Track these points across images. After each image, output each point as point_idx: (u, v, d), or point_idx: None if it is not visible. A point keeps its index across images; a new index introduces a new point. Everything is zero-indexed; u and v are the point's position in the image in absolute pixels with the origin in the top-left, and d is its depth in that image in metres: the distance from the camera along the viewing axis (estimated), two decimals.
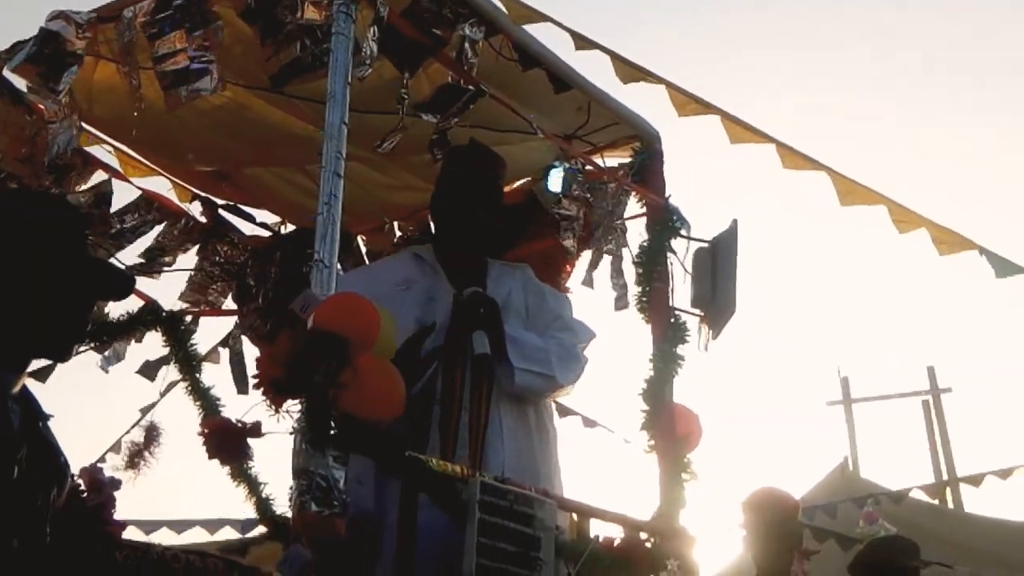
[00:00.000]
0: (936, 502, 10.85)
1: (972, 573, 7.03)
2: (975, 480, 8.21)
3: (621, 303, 4.01)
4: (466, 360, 3.31)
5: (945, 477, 12.25)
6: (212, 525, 6.84)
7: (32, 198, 1.99)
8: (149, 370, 4.09)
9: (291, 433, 2.42)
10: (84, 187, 4.01)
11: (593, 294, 4.14)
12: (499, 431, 3.32)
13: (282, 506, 3.03)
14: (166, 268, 4.21)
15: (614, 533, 3.16)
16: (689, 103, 3.54)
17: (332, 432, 2.36)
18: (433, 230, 3.80)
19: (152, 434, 3.26)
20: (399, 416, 2.44)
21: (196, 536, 6.68)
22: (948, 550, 6.85)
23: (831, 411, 13.93)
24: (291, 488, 2.44)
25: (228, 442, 2.53)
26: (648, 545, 3.20)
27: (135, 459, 3.17)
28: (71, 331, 1.78)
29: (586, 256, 4.14)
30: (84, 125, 3.84)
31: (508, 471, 3.16)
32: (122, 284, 1.88)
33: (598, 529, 3.15)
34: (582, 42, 3.31)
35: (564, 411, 5.21)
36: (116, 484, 2.77)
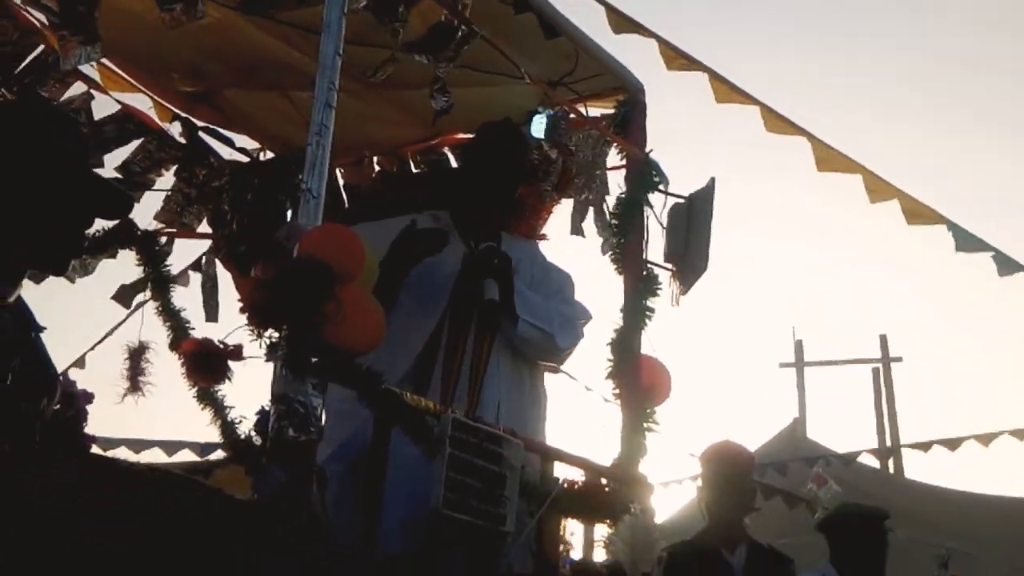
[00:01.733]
0: (879, 467, 11.13)
1: (910, 537, 7.25)
2: (923, 447, 8.41)
3: (607, 247, 4.05)
4: (473, 310, 3.42)
5: (889, 444, 12.53)
6: (171, 447, 6.88)
7: (33, 108, 1.98)
8: (125, 295, 4.07)
9: (269, 360, 2.45)
10: (64, 98, 3.96)
11: (568, 243, 4.18)
12: (497, 377, 3.43)
13: (247, 431, 3.05)
14: (145, 187, 4.18)
15: (576, 476, 3.24)
16: (677, 58, 3.56)
17: (312, 360, 2.39)
18: (453, 194, 3.83)
19: (141, 352, 3.26)
20: (407, 359, 2.48)
21: (154, 457, 6.73)
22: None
23: (784, 372, 14.17)
24: (262, 413, 2.47)
25: (209, 363, 2.56)
26: (608, 490, 3.29)
27: (136, 379, 3.17)
28: (69, 245, 1.79)
29: (566, 204, 4.17)
30: None
31: (501, 418, 3.25)
32: (121, 202, 1.89)
33: (561, 472, 3.22)
34: None
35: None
36: (89, 397, 2.78)
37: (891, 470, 11.83)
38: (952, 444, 7.89)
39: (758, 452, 9.36)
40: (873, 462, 9.83)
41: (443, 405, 3.05)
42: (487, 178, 3.66)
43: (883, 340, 13.83)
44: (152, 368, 3.22)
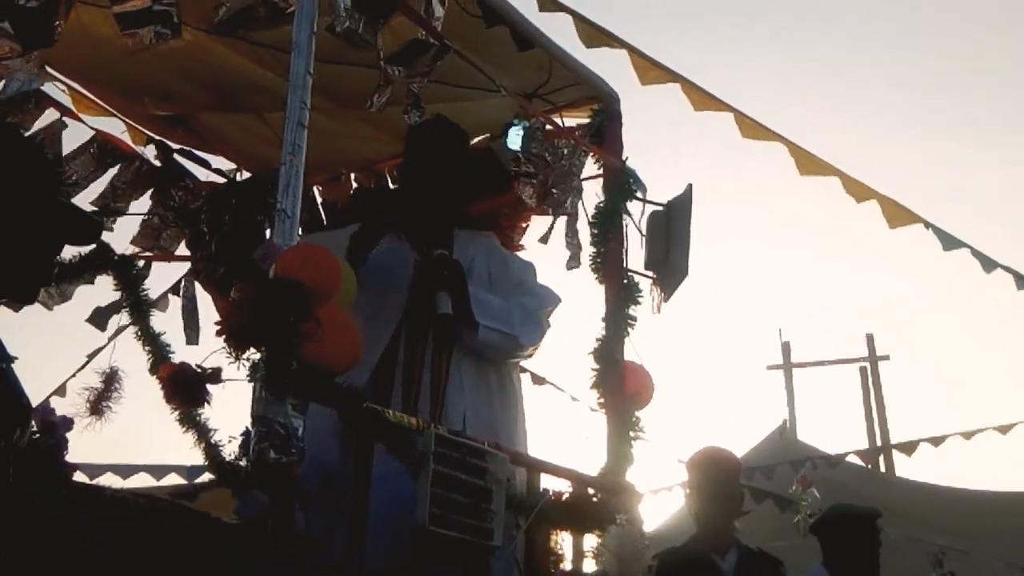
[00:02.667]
0: (869, 467, 11.14)
1: (903, 535, 7.26)
2: (908, 448, 8.44)
3: (573, 263, 4.05)
4: (429, 321, 3.36)
5: (879, 443, 12.55)
6: (158, 471, 6.84)
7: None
8: (99, 318, 4.05)
9: (249, 381, 2.44)
10: (36, 126, 3.95)
11: (548, 253, 4.18)
12: (460, 388, 3.39)
13: (231, 453, 3.03)
14: (120, 214, 4.16)
15: (563, 488, 3.23)
16: (651, 69, 3.57)
17: (292, 381, 2.38)
18: (396, 198, 3.81)
19: (112, 379, 3.23)
20: (363, 374, 2.47)
21: (142, 481, 6.69)
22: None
23: (771, 375, 14.18)
24: (246, 435, 2.46)
25: (187, 387, 2.55)
26: (595, 500, 3.28)
27: (98, 405, 3.15)
28: (37, 274, 1.78)
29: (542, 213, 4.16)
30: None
31: (468, 428, 3.22)
32: (90, 229, 1.88)
33: (548, 483, 3.22)
34: (547, 2, 3.31)
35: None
36: (68, 424, 2.75)
37: (882, 468, 11.85)
38: (936, 441, 7.91)
39: (747, 455, 9.39)
40: (861, 462, 9.84)
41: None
42: (424, 177, 3.61)
43: (870, 339, 13.86)
44: (122, 394, 3.20)
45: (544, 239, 4.14)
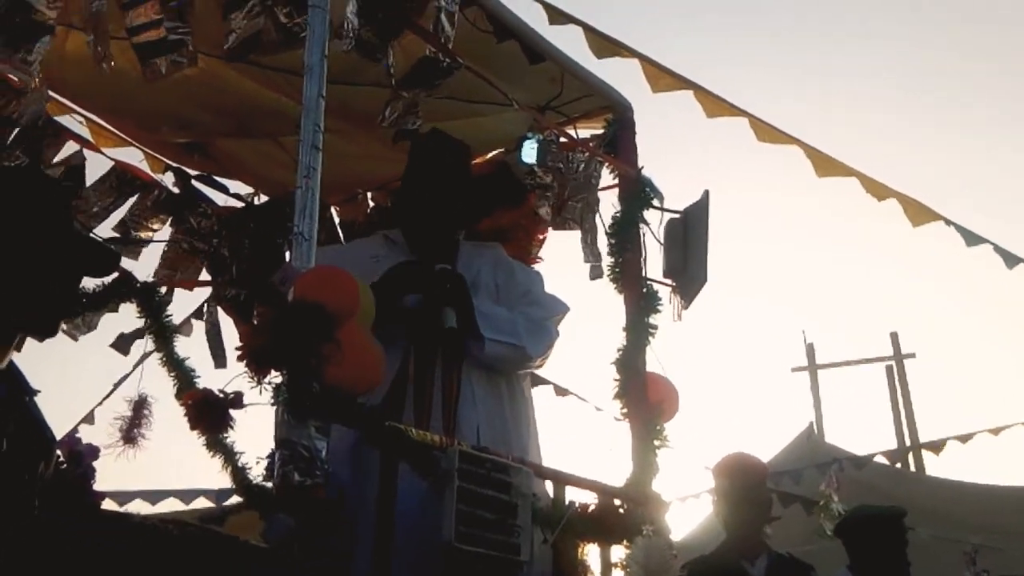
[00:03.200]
0: (898, 466, 11.07)
1: (935, 534, 7.20)
2: (936, 447, 8.38)
3: (595, 272, 4.05)
4: (437, 337, 3.35)
5: (908, 442, 12.47)
6: (187, 495, 6.87)
7: (15, 173, 2.00)
8: (123, 344, 4.08)
9: (272, 404, 2.45)
10: (56, 159, 3.99)
11: (567, 264, 4.19)
12: (472, 403, 3.37)
13: (258, 476, 3.05)
14: (142, 244, 4.20)
15: (588, 499, 3.22)
16: (663, 77, 3.57)
17: (314, 403, 2.39)
18: (401, 215, 3.80)
19: (142, 406, 3.26)
20: (375, 394, 2.47)
21: (171, 506, 6.71)
22: (909, 513, 7.02)
23: (796, 377, 14.12)
24: (271, 458, 2.47)
25: (211, 412, 2.56)
26: (622, 511, 3.27)
27: (131, 433, 3.17)
28: (57, 306, 1.80)
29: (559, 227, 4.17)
30: (55, 95, 3.83)
31: (482, 441, 3.21)
32: (107, 260, 1.90)
33: (573, 495, 3.21)
34: (556, 15, 3.32)
35: (536, 380, 5.27)
36: (94, 453, 2.77)
37: (912, 467, 11.77)
38: (964, 438, 7.85)
39: (775, 459, 9.35)
40: (888, 461, 9.76)
41: None
42: (426, 188, 3.57)
43: (894, 338, 13.79)
44: (152, 421, 3.22)
45: (559, 251, 4.15)
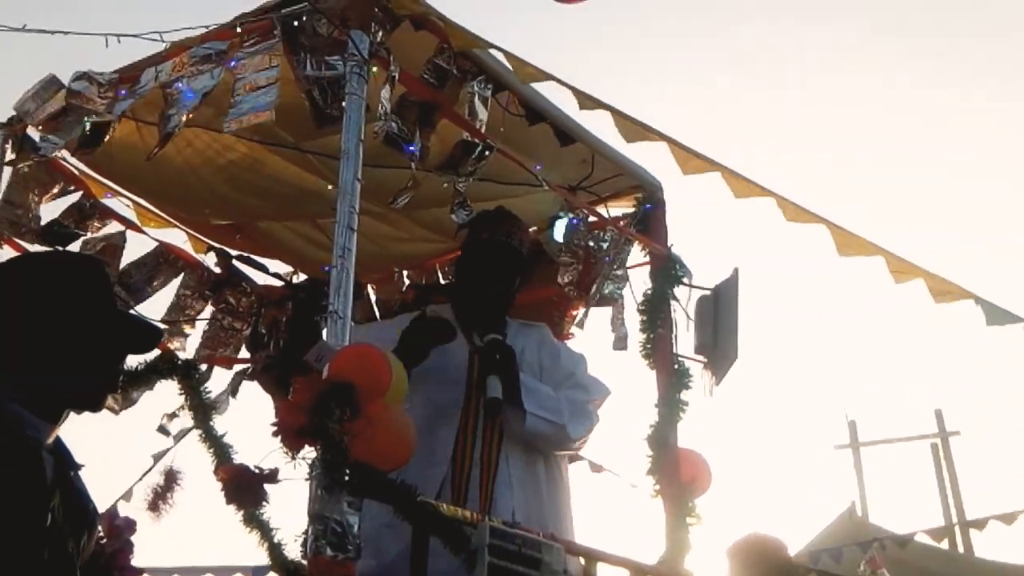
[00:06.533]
0: (945, 546, 10.83)
1: None
2: (979, 524, 8.20)
3: (619, 344, 4.08)
4: (479, 411, 3.40)
5: (955, 520, 12.22)
6: (224, 572, 6.88)
7: (61, 257, 2.10)
8: (164, 427, 4.16)
9: (306, 480, 2.50)
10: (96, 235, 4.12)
11: (599, 340, 4.22)
12: (508, 481, 3.40)
13: (294, 551, 3.08)
14: (186, 322, 4.31)
15: None
16: (692, 159, 3.63)
17: (346, 478, 2.43)
18: (452, 286, 3.87)
19: (172, 478, 3.32)
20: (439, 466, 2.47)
21: None
22: None
23: (839, 455, 13.94)
24: (305, 533, 2.51)
25: (246, 488, 2.61)
26: None
27: (157, 502, 3.23)
28: (103, 383, 1.87)
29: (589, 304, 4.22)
30: (101, 178, 3.99)
31: (518, 517, 3.22)
32: (149, 336, 1.98)
33: (605, 573, 3.21)
34: (586, 100, 3.40)
35: (572, 456, 5.27)
36: (132, 527, 2.82)
37: (960, 548, 11.51)
38: (1008, 518, 7.67)
39: (816, 538, 9.20)
40: (932, 541, 9.55)
41: None
42: (481, 267, 3.66)
43: (938, 415, 13.61)
44: (181, 494, 3.28)
45: (581, 324, 4.19)
